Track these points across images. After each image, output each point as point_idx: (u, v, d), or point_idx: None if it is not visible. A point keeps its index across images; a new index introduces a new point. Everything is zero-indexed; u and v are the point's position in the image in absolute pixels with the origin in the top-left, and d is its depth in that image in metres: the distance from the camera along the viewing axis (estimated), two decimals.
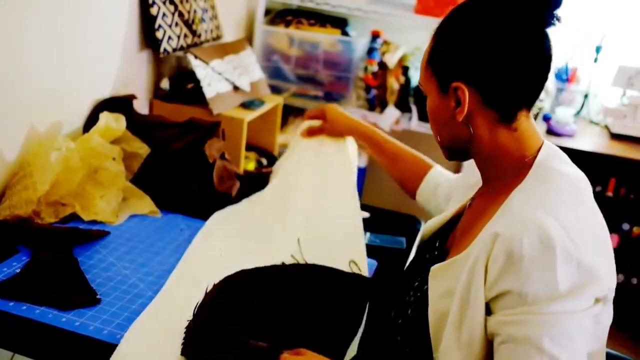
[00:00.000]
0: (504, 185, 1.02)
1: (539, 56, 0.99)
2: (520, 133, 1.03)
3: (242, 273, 1.34)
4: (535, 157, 1.02)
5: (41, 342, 1.15)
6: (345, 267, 1.42)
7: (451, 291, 0.98)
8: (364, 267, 1.45)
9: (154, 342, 1.14)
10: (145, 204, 1.63)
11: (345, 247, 1.51)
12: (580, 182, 1.02)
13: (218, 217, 1.63)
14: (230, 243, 1.52)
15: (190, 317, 1.19)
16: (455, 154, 1.12)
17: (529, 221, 0.88)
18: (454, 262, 1.00)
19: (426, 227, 1.25)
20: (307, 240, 1.52)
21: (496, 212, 0.97)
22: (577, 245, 0.88)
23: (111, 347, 1.11)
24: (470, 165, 1.23)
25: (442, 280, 1.01)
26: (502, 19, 0.97)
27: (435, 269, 1.03)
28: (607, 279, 0.93)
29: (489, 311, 0.92)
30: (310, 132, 1.72)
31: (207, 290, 1.27)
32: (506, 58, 0.97)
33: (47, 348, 1.14)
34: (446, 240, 1.16)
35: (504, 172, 1.04)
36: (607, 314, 0.96)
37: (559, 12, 0.97)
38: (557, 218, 0.89)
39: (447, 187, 1.44)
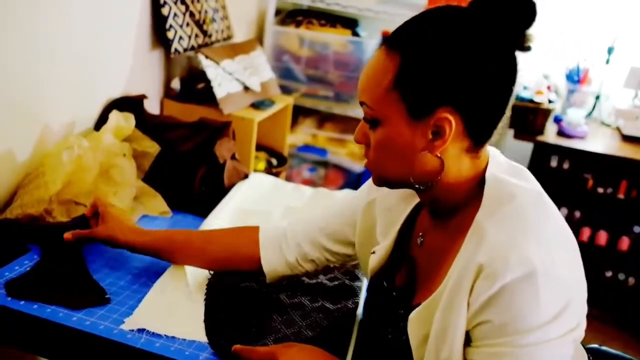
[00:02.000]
0: (463, 214, 0.94)
1: (514, 78, 0.90)
2: (481, 160, 0.95)
3: None
4: (483, 171, 0.94)
5: (52, 341, 1.15)
6: None
7: (429, 334, 0.93)
8: None
9: (175, 301, 1.24)
10: (157, 204, 1.64)
11: None
12: (533, 185, 0.94)
13: (218, 209, 1.66)
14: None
15: (210, 276, 1.32)
16: (398, 187, 0.99)
17: (510, 252, 0.83)
18: (429, 305, 0.93)
19: (371, 269, 1.11)
20: None
21: (462, 243, 0.90)
22: (556, 263, 0.84)
23: (121, 346, 1.12)
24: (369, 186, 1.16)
25: (419, 326, 0.94)
26: (485, 37, 0.87)
27: (412, 317, 0.95)
28: (582, 291, 0.89)
29: (468, 340, 0.89)
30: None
31: None
32: (492, 80, 0.88)
33: (57, 347, 1.15)
34: (394, 277, 1.08)
35: (461, 202, 0.95)
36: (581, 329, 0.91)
37: (531, 38, 0.89)
38: (539, 241, 0.85)
39: (322, 225, 1.24)
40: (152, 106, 2.10)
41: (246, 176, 1.84)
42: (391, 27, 2.77)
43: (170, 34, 2.04)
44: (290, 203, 1.74)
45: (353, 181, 2.93)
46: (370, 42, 2.78)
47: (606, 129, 2.95)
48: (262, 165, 2.45)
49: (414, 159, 0.91)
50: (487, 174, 0.93)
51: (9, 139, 1.51)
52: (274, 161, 2.53)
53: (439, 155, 0.91)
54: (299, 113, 2.94)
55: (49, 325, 1.16)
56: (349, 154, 2.92)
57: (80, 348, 1.14)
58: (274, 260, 1.26)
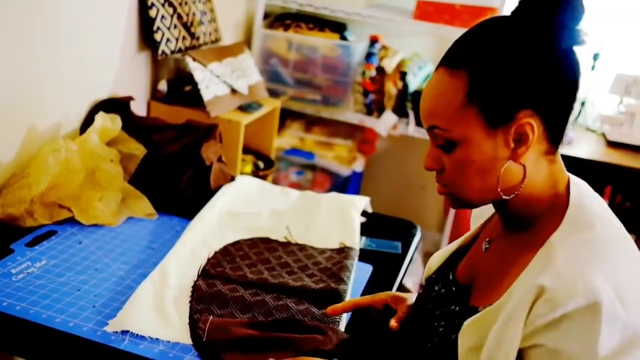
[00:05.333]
0: (536, 230, 0.93)
1: (578, 72, 0.91)
2: (557, 165, 0.94)
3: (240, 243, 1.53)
4: (567, 195, 0.93)
5: (35, 343, 1.14)
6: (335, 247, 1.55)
7: (480, 345, 0.91)
8: (355, 246, 1.55)
9: (159, 303, 1.24)
10: (142, 206, 1.63)
11: (334, 232, 1.61)
12: (617, 223, 0.94)
13: (204, 211, 1.65)
14: (221, 231, 1.59)
15: (195, 279, 1.35)
16: (480, 204, 0.97)
17: (576, 282, 0.81)
18: (486, 314, 0.91)
19: (433, 260, 1.14)
20: (295, 227, 1.63)
21: (530, 260, 0.89)
22: (626, 305, 0.82)
23: (105, 348, 1.12)
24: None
25: (472, 334, 0.92)
26: (540, 37, 0.88)
27: (468, 324, 0.93)
28: None
29: (520, 357, 0.87)
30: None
31: (209, 257, 1.44)
32: (561, 75, 0.89)
33: (40, 348, 1.14)
34: (455, 273, 1.08)
35: (537, 216, 0.94)
36: None
37: (584, 32, 0.91)
38: (607, 276, 0.82)
39: None
40: (138, 108, 2.10)
41: (232, 179, 1.84)
42: (379, 32, 2.80)
43: (157, 36, 2.03)
44: (276, 206, 1.74)
45: (340, 185, 2.93)
46: (358, 46, 2.78)
47: (591, 135, 2.97)
48: (248, 168, 2.45)
49: (498, 172, 0.90)
50: (573, 197, 0.92)
51: None
52: (261, 164, 2.53)
53: (521, 162, 0.90)
54: (287, 116, 2.94)
55: (32, 326, 1.15)
56: (336, 157, 2.92)
57: (63, 349, 1.13)
58: None
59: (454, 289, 1.05)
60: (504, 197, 0.92)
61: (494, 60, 0.88)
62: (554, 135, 0.92)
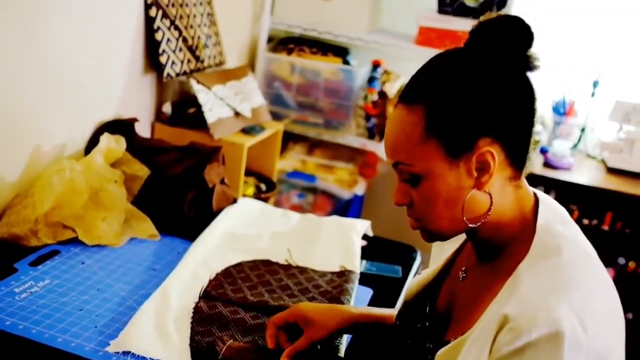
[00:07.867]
0: (507, 258, 0.93)
1: (533, 97, 0.93)
2: (523, 189, 0.96)
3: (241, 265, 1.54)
4: (534, 217, 0.94)
5: None
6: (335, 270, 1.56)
7: None
8: (355, 270, 1.56)
9: (161, 324, 1.25)
10: (145, 227, 1.64)
11: (335, 255, 1.62)
12: (586, 246, 0.94)
13: (206, 233, 1.66)
14: (222, 253, 1.60)
15: (197, 300, 1.35)
16: (452, 236, 0.98)
17: (540, 310, 0.82)
18: (457, 344, 0.91)
19: (409, 289, 1.14)
20: (296, 250, 1.64)
21: (500, 289, 0.89)
22: (588, 332, 0.82)
23: None
24: None
25: None
26: (493, 65, 0.90)
27: (440, 355, 0.93)
28: (618, 356, 0.88)
29: None
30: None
31: (211, 278, 1.44)
32: (516, 101, 0.91)
33: None
34: (435, 303, 1.08)
35: (507, 243, 0.94)
36: None
37: (536, 57, 0.91)
38: (570, 303, 0.83)
39: None
40: (143, 129, 2.11)
41: (235, 201, 1.85)
42: (382, 56, 2.83)
43: (163, 59, 2.06)
44: (277, 228, 1.75)
45: (341, 208, 2.94)
46: (360, 71, 2.81)
47: (591, 161, 2.99)
48: (251, 190, 2.46)
49: (463, 201, 0.91)
50: (540, 222, 0.92)
51: None
52: (263, 186, 2.54)
53: (487, 190, 0.91)
54: (289, 139, 2.96)
55: (34, 345, 1.16)
56: (337, 180, 2.93)
57: None
58: None
59: (427, 323, 1.05)
60: (470, 225, 0.93)
61: (447, 91, 0.90)
62: (517, 160, 0.93)
